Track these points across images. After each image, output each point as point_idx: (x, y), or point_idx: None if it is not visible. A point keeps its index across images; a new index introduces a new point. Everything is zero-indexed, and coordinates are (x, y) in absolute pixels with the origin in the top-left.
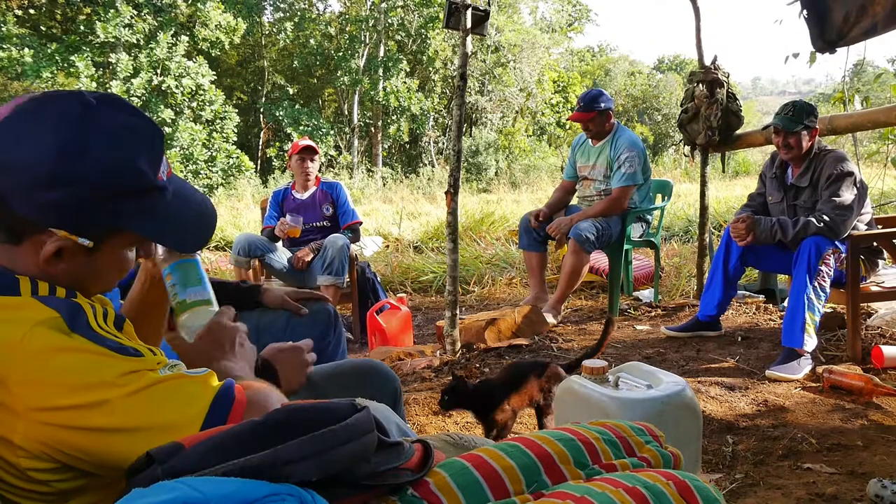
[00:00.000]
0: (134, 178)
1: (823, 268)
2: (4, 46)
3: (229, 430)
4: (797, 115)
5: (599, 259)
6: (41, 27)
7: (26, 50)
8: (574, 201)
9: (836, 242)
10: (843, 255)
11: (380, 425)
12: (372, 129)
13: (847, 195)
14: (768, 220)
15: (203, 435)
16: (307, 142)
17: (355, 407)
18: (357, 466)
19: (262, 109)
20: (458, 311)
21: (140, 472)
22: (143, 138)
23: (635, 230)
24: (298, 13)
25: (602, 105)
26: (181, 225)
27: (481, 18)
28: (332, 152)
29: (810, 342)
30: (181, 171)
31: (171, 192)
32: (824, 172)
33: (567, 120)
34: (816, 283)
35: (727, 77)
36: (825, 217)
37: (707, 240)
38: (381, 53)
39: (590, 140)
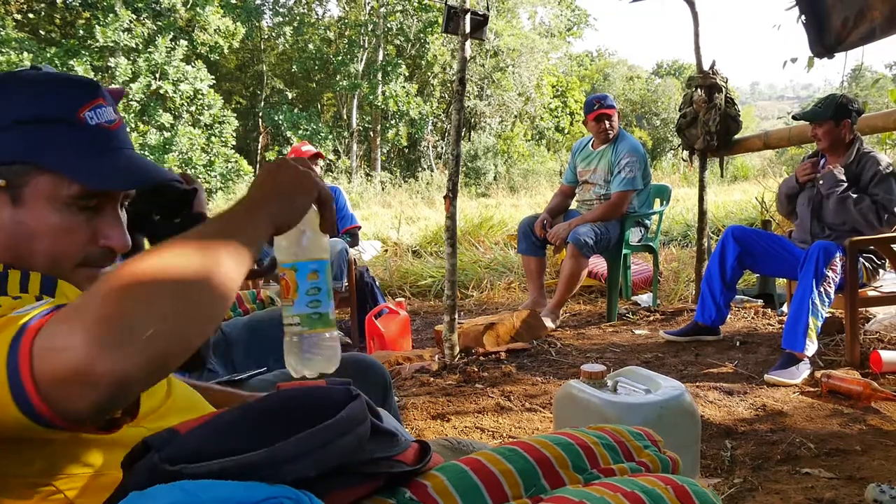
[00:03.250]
0: (43, 104)
1: (830, 273)
2: (4, 50)
3: (222, 416)
4: (825, 107)
5: (598, 263)
6: (40, 31)
7: (25, 54)
8: (573, 205)
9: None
10: None
11: (372, 409)
12: (371, 133)
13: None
14: (842, 177)
15: (196, 421)
16: (309, 147)
17: (350, 392)
18: (352, 456)
19: (260, 114)
20: (456, 316)
21: (138, 460)
22: (66, 78)
23: (634, 234)
24: (297, 18)
25: (614, 104)
26: (105, 163)
27: (480, 23)
28: (331, 157)
29: (811, 347)
30: None
31: (100, 136)
32: (868, 171)
33: (595, 112)
34: (822, 289)
35: (725, 82)
36: (880, 205)
37: (706, 244)
38: (380, 58)
39: (590, 144)
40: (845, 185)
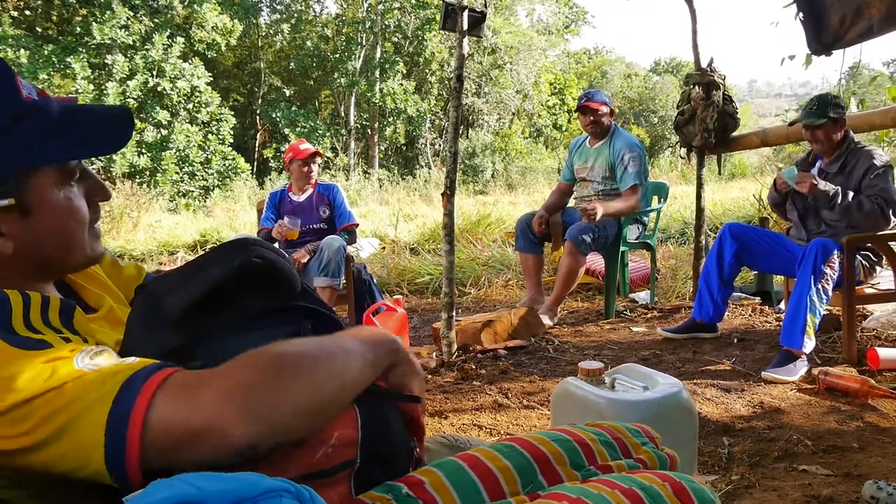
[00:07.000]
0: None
1: (828, 270)
2: (0, 47)
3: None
4: (821, 108)
5: (596, 261)
6: (37, 28)
7: (22, 51)
8: (571, 203)
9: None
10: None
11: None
12: (368, 130)
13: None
14: (829, 185)
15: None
16: (308, 145)
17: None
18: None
19: (258, 111)
20: (454, 313)
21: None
22: None
23: (632, 232)
24: (295, 15)
25: (606, 100)
26: (87, 128)
27: (478, 20)
28: (329, 154)
29: (809, 344)
30: (177, 174)
31: (54, 108)
32: (861, 165)
33: (582, 106)
34: (820, 286)
35: (723, 79)
36: (882, 200)
37: (703, 242)
38: (378, 55)
39: (587, 142)
40: (838, 191)
